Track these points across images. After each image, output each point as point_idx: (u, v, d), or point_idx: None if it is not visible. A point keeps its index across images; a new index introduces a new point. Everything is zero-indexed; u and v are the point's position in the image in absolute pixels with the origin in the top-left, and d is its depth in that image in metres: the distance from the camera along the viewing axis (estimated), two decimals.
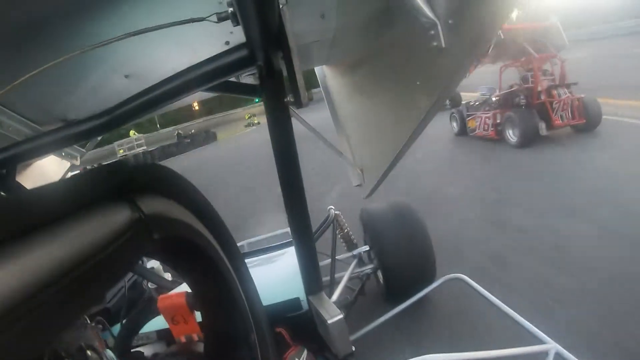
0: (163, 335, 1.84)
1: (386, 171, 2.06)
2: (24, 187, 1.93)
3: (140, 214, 0.64)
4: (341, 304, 2.91)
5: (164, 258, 0.96)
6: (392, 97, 1.77)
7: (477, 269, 3.69)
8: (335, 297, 2.64)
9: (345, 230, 3.60)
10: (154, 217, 0.68)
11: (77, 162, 2.65)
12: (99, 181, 0.59)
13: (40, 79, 1.24)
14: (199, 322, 1.09)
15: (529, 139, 8.16)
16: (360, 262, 3.47)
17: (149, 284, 2.37)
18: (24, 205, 0.44)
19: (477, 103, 10.44)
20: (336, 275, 3.07)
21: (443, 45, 1.20)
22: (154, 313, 1.70)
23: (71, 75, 1.65)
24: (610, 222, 4.10)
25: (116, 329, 1.75)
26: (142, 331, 1.81)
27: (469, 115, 10.55)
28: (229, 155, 18.68)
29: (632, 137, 7.25)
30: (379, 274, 3.43)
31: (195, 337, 1.40)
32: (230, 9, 1.15)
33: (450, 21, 1.15)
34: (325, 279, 2.71)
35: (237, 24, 1.16)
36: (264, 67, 1.39)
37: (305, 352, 2.01)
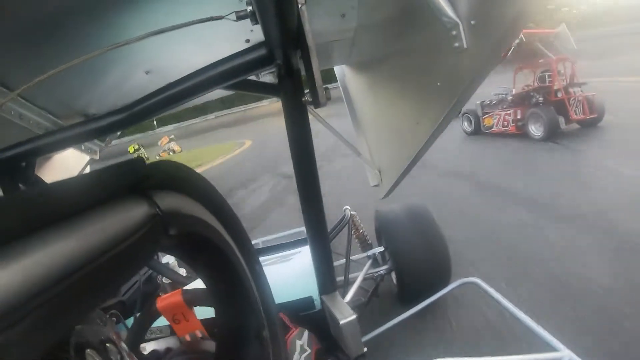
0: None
1: (404, 172, 2.05)
2: (43, 181, 1.95)
3: (157, 210, 0.64)
4: (354, 305, 2.90)
5: (179, 254, 0.96)
6: (412, 98, 1.76)
7: None
8: (348, 297, 2.64)
9: (361, 230, 3.59)
10: (170, 213, 0.68)
11: (97, 157, 2.68)
12: (116, 176, 0.60)
13: (62, 73, 1.25)
14: (212, 318, 1.10)
15: (553, 132, 9.03)
16: (375, 263, 3.46)
17: (164, 279, 2.39)
18: (43, 199, 0.44)
19: (493, 102, 11.11)
20: (350, 276, 3.07)
21: (465, 46, 1.19)
22: (150, 322, 1.72)
23: (92, 70, 1.67)
24: None
25: (130, 322, 1.76)
26: (155, 325, 1.82)
27: (485, 114, 11.13)
28: None
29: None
30: (393, 275, 3.41)
31: (198, 333, 1.40)
32: (250, 8, 1.15)
33: (472, 22, 1.14)
34: (339, 279, 2.71)
35: (256, 22, 1.16)
36: (283, 66, 1.39)
37: (306, 333, 2.01)
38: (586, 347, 2.40)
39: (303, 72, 1.38)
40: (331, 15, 1.80)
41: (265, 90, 1.81)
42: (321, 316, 2.12)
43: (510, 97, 10.65)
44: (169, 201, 0.71)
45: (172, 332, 1.78)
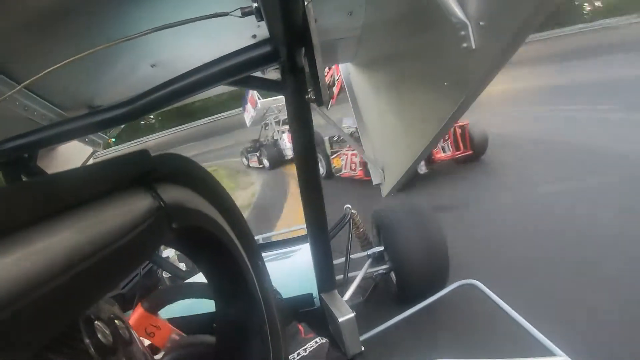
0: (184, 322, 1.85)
1: (407, 172, 2.06)
2: (45, 172, 1.95)
3: (161, 203, 0.64)
4: (353, 303, 2.90)
5: (182, 247, 0.96)
6: (418, 97, 1.76)
7: None
8: (347, 296, 2.64)
9: (362, 229, 3.59)
10: (174, 206, 0.68)
11: (100, 149, 2.68)
12: (120, 168, 0.60)
13: (68, 65, 1.25)
14: (214, 312, 1.09)
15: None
16: (374, 262, 3.46)
17: (164, 273, 2.39)
18: (45, 190, 0.44)
19: (341, 138, 8.84)
20: (350, 275, 3.07)
21: (473, 46, 1.19)
22: (200, 294, 1.71)
23: (98, 62, 1.66)
24: None
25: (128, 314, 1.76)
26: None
27: (333, 153, 9.18)
28: None
29: None
30: (392, 275, 3.41)
31: (176, 336, 1.36)
32: (255, 4, 1.15)
33: (481, 23, 1.14)
34: (339, 277, 2.71)
35: (261, 19, 1.16)
36: (287, 63, 1.39)
37: (326, 340, 2.00)
38: None
39: (307, 70, 1.38)
40: (338, 12, 1.80)
41: (269, 86, 1.81)
42: (320, 313, 2.13)
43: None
44: (173, 194, 0.71)
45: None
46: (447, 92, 1.42)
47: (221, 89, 2.40)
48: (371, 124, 2.80)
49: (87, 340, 0.60)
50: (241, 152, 15.66)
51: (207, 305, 1.53)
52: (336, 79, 7.39)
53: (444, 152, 7.47)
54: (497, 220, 4.86)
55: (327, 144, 9.32)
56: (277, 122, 13.72)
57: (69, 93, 1.99)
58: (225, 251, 0.94)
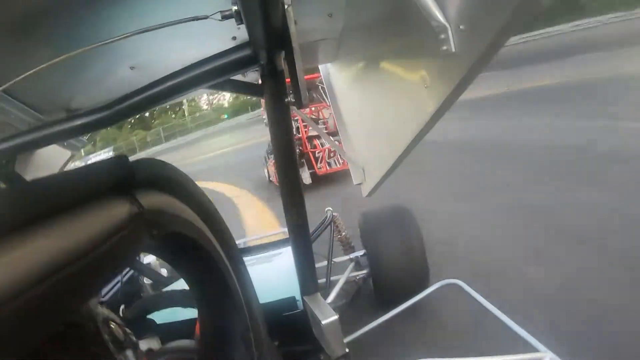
0: (162, 330, 1.84)
1: (388, 172, 2.06)
2: (23, 179, 1.92)
3: (140, 209, 0.63)
4: (336, 306, 2.91)
5: (163, 254, 0.96)
6: (398, 98, 1.76)
7: None
8: (330, 298, 2.64)
9: (343, 233, 3.60)
10: (153, 212, 0.67)
11: (79, 153, 2.65)
12: (98, 175, 0.59)
13: (46, 68, 1.24)
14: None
15: None
16: (357, 266, 3.47)
17: (145, 279, 2.37)
18: (22, 198, 0.43)
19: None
20: (333, 278, 3.08)
21: (453, 50, 1.19)
22: (180, 303, 1.71)
23: (76, 65, 1.64)
24: None
25: None
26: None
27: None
28: None
29: None
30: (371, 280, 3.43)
31: (155, 344, 1.38)
32: (235, 8, 1.15)
33: (461, 26, 1.15)
34: (322, 280, 2.72)
35: (241, 22, 1.16)
36: (267, 66, 1.38)
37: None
38: None
39: (287, 73, 1.38)
40: (318, 14, 1.80)
41: (249, 90, 1.80)
42: (304, 317, 2.12)
43: None
44: (153, 200, 0.70)
45: (156, 333, 1.77)
46: (427, 95, 1.42)
47: (202, 92, 2.39)
48: (351, 125, 2.80)
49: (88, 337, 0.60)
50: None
51: (187, 312, 1.53)
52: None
53: (329, 167, 8.67)
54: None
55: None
56: None
57: (47, 96, 1.96)
58: (206, 257, 0.94)
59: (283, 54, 1.33)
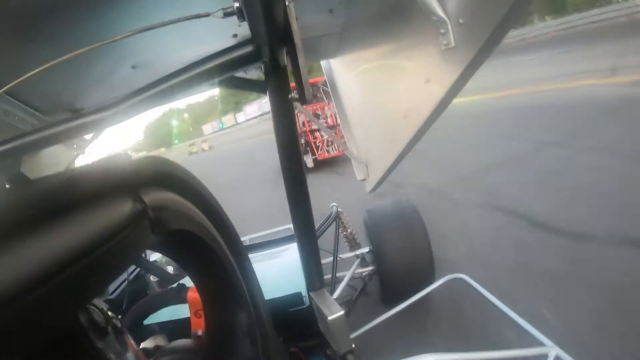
0: (166, 328, 1.85)
1: (391, 167, 2.06)
2: (28, 179, 1.93)
3: (144, 207, 0.64)
4: (342, 302, 2.91)
5: (168, 251, 0.96)
6: (399, 93, 1.76)
7: None
8: (336, 294, 2.65)
9: (349, 230, 3.60)
10: (158, 210, 0.68)
11: (84, 153, 2.66)
12: (102, 173, 0.59)
13: (47, 69, 1.24)
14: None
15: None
16: (363, 263, 3.47)
17: (151, 277, 2.38)
18: (26, 197, 0.44)
19: None
20: (338, 274, 3.08)
21: (453, 44, 1.20)
22: (162, 305, 1.71)
23: (78, 65, 1.65)
24: None
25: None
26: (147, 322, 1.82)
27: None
28: None
29: None
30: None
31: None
32: (237, 4, 1.15)
33: (461, 20, 1.15)
34: (327, 276, 2.72)
35: (243, 19, 1.16)
36: (269, 63, 1.39)
37: None
38: None
39: (290, 69, 1.38)
40: (319, 10, 1.80)
41: (252, 87, 1.80)
42: (310, 312, 2.13)
43: None
44: (157, 198, 0.70)
45: (161, 331, 1.78)
46: (429, 89, 1.42)
47: (204, 90, 2.39)
48: (354, 120, 2.80)
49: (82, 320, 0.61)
50: None
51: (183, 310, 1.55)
52: None
53: (328, 153, 11.35)
54: None
55: None
56: None
57: (50, 97, 1.96)
58: (210, 254, 0.94)
59: (285, 50, 1.33)
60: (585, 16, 23.26)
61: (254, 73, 2.28)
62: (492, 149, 7.62)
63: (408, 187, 6.75)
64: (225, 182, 13.94)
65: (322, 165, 11.44)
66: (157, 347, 1.50)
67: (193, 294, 1.41)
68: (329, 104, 11.52)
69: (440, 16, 1.20)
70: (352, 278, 3.22)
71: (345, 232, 3.60)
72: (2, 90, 1.35)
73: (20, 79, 1.23)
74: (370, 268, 3.39)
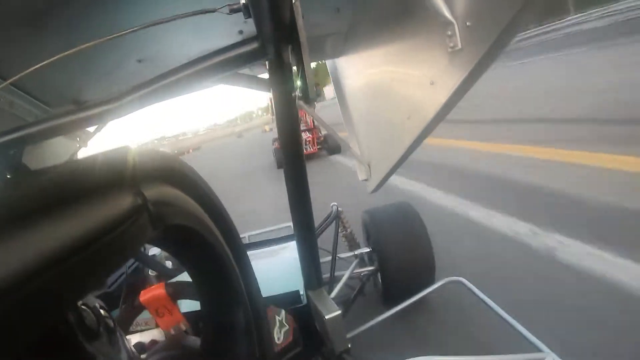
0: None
1: (393, 167, 2.07)
2: (29, 169, 1.93)
3: (144, 201, 0.63)
4: (340, 301, 2.91)
5: (167, 246, 0.96)
6: (404, 94, 1.76)
7: None
8: (334, 294, 2.65)
9: (349, 230, 3.60)
10: (157, 204, 0.67)
11: (86, 145, 2.66)
12: (102, 165, 0.59)
13: (54, 62, 1.24)
14: (199, 311, 1.10)
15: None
16: (362, 263, 3.47)
17: (150, 271, 2.39)
18: (25, 188, 0.44)
19: None
20: (337, 274, 3.08)
21: (459, 46, 1.20)
22: (132, 319, 1.72)
23: (84, 58, 1.65)
24: None
25: (116, 314, 1.76)
26: (141, 317, 1.82)
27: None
28: None
29: None
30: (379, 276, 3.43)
31: (182, 327, 1.41)
32: (243, 1, 1.15)
33: (468, 23, 1.15)
34: (326, 275, 2.72)
35: (249, 16, 1.16)
36: (274, 61, 1.38)
37: (283, 311, 2.02)
38: None
39: (294, 67, 1.38)
40: (325, 9, 1.81)
41: (256, 84, 1.80)
42: (307, 311, 2.13)
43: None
44: (158, 192, 0.70)
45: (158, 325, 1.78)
46: (433, 91, 1.42)
47: (208, 86, 2.39)
48: (358, 120, 2.80)
49: (73, 321, 0.60)
50: None
51: (191, 304, 1.54)
52: None
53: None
54: None
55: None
56: None
57: (55, 89, 1.97)
58: (209, 250, 0.94)
59: (290, 48, 1.33)
60: None
61: (259, 70, 2.28)
62: None
63: None
64: None
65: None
66: (153, 342, 1.50)
67: (145, 297, 1.39)
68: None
69: (447, 18, 1.20)
70: (351, 278, 3.22)
71: (344, 232, 3.60)
72: (9, 81, 1.36)
73: (27, 71, 1.24)
74: (369, 268, 3.39)
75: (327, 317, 1.85)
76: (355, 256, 3.46)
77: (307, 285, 2.09)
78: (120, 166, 0.62)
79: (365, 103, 2.53)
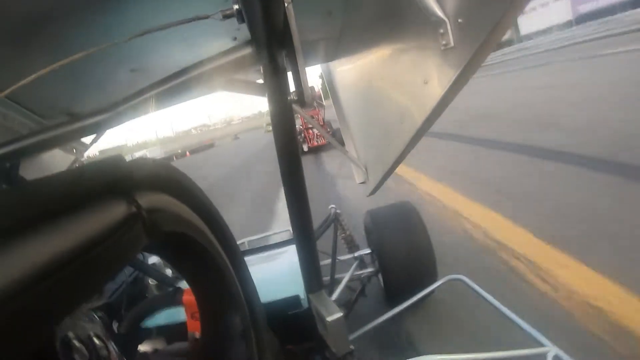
0: (164, 331, 1.85)
1: (390, 169, 2.06)
2: (25, 180, 1.93)
3: (139, 209, 0.63)
4: (341, 304, 2.91)
5: (162, 254, 0.96)
6: (398, 95, 1.77)
7: None
8: (335, 296, 2.64)
9: (348, 232, 3.60)
10: (152, 212, 0.67)
11: (82, 157, 2.66)
12: (96, 175, 0.59)
13: (46, 73, 1.24)
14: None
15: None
16: (362, 264, 3.47)
17: (150, 280, 2.38)
18: (20, 198, 0.43)
19: None
20: (337, 276, 3.08)
21: (452, 44, 1.20)
22: (158, 308, 1.72)
23: (77, 69, 1.65)
24: None
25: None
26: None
27: None
28: None
29: None
30: (380, 277, 3.43)
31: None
32: (236, 7, 1.15)
33: (459, 20, 1.16)
34: (326, 278, 2.72)
35: (243, 21, 1.16)
36: (269, 66, 1.39)
37: None
38: None
39: (289, 71, 1.38)
40: (317, 13, 1.81)
41: (251, 89, 1.81)
42: (308, 315, 2.13)
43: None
44: (152, 200, 0.70)
45: (159, 335, 1.78)
46: (427, 90, 1.43)
47: (203, 93, 2.39)
48: (353, 123, 2.80)
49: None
50: None
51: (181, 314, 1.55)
52: None
53: (317, 142, 16.47)
54: None
55: None
56: None
57: (48, 100, 1.97)
58: (206, 257, 0.94)
59: (285, 52, 1.33)
60: None
61: (254, 75, 2.28)
62: None
63: None
64: None
65: (315, 149, 16.62)
66: (155, 351, 1.50)
67: (189, 297, 1.41)
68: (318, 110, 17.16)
69: (439, 16, 1.21)
70: (351, 280, 3.22)
71: (344, 234, 3.60)
72: (2, 94, 1.36)
73: (20, 83, 1.23)
74: (370, 269, 3.39)
75: (328, 319, 1.85)
76: (355, 258, 3.46)
77: (308, 289, 2.09)
78: (114, 174, 0.62)
79: (360, 105, 2.53)
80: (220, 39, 1.71)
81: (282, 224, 6.45)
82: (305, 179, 1.73)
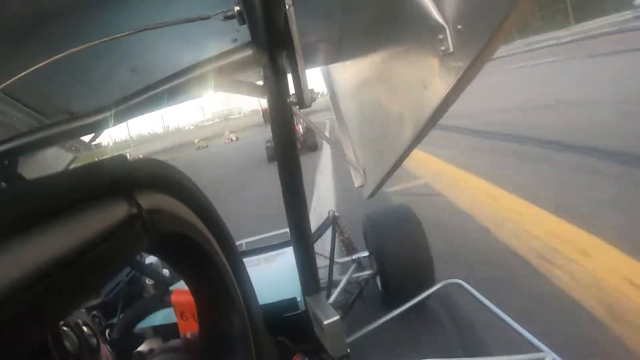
0: (161, 331, 1.85)
1: (389, 172, 2.07)
2: (24, 179, 1.92)
3: (139, 210, 0.63)
4: (339, 306, 2.90)
5: (162, 254, 0.96)
6: (397, 99, 1.77)
7: None
8: (332, 299, 2.64)
9: (346, 235, 3.60)
10: (152, 212, 0.67)
11: (80, 155, 2.66)
12: (97, 174, 0.59)
13: (46, 70, 1.24)
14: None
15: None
16: (360, 267, 3.47)
17: (147, 280, 2.38)
18: (19, 197, 0.43)
19: None
20: (335, 279, 3.08)
21: (451, 50, 1.20)
22: (154, 308, 1.71)
23: (76, 66, 1.65)
24: None
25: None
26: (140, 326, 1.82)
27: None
28: None
29: None
30: (378, 279, 3.43)
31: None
32: (237, 8, 1.15)
33: (459, 26, 1.16)
34: (324, 281, 2.71)
35: (243, 22, 1.16)
36: (269, 67, 1.39)
37: None
38: None
39: (289, 73, 1.38)
40: (317, 15, 1.81)
41: (251, 91, 1.80)
42: (305, 317, 2.12)
43: None
44: (152, 200, 0.70)
45: (156, 335, 1.78)
46: (426, 95, 1.43)
47: (202, 94, 2.39)
48: (352, 127, 2.81)
49: (52, 346, 0.60)
50: None
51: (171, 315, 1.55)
52: None
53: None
54: None
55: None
56: None
57: (49, 99, 1.97)
58: (205, 257, 0.94)
59: (285, 54, 1.33)
60: None
61: (254, 77, 2.28)
62: None
63: None
64: None
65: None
66: (152, 350, 1.50)
67: (176, 297, 1.41)
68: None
69: (438, 22, 1.21)
70: (349, 282, 3.21)
71: (342, 237, 3.60)
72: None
73: (16, 77, 1.23)
74: (367, 272, 3.39)
75: (325, 322, 1.84)
76: (353, 260, 3.46)
77: (305, 291, 2.08)
78: (115, 174, 0.62)
79: (359, 109, 2.54)
80: (221, 40, 1.71)
81: None
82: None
